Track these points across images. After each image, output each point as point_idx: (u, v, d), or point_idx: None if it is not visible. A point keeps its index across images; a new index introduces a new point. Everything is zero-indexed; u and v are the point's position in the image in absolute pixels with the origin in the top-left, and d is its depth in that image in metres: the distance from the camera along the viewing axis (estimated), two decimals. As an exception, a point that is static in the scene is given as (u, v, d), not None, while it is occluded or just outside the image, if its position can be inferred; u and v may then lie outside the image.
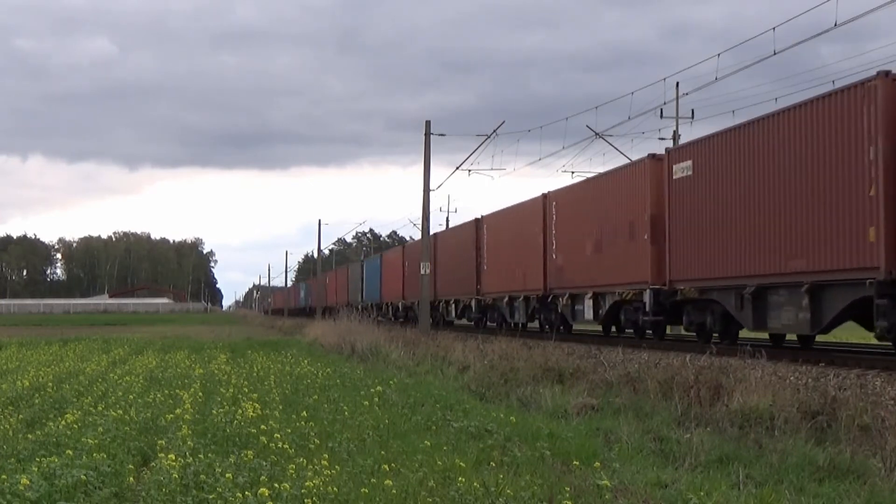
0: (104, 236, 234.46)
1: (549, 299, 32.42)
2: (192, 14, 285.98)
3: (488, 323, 41.12)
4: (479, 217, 41.17)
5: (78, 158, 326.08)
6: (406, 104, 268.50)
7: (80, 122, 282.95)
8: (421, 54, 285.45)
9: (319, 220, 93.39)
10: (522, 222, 34.99)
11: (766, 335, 22.64)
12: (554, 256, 31.60)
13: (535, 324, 35.40)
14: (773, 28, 26.20)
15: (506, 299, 37.04)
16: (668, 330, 28.59)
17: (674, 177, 23.38)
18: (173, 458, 9.48)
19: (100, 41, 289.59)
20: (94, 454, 10.07)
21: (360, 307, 67.01)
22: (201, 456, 10.07)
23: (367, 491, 8.42)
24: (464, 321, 45.77)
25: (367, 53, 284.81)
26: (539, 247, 32.50)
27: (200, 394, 16.69)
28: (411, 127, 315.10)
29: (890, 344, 17.88)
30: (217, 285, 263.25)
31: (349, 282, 76.12)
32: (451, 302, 45.21)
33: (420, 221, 43.93)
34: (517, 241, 35.49)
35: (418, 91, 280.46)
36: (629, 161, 30.97)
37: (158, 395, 16.39)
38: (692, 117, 44.01)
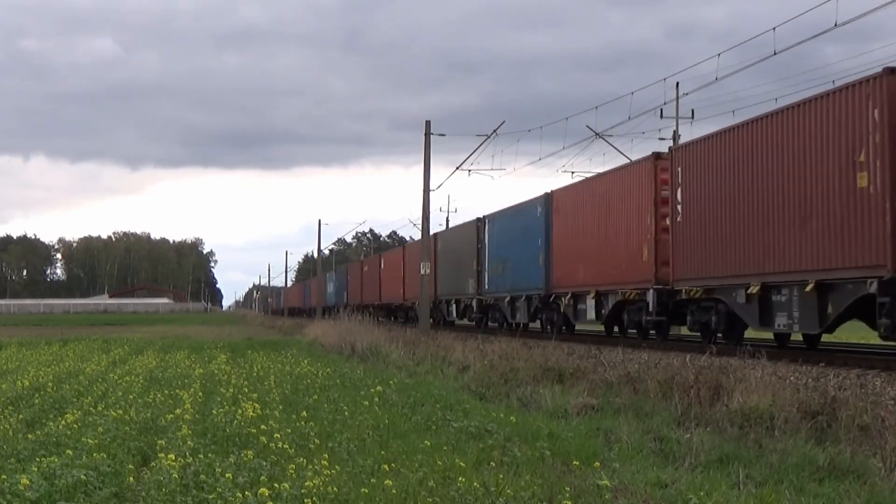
0: (104, 236, 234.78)
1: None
2: (196, 14, 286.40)
3: None
4: None
5: (80, 158, 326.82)
6: (408, 104, 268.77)
7: (82, 122, 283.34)
8: (424, 54, 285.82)
9: (319, 221, 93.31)
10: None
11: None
12: None
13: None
14: (774, 28, 26.10)
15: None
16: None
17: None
18: (173, 458, 9.47)
19: (103, 41, 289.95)
20: (94, 454, 10.07)
21: (458, 305, 44.29)
22: (201, 456, 10.06)
23: (367, 491, 8.41)
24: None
25: (370, 53, 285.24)
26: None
27: (200, 394, 16.68)
28: (413, 127, 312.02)
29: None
30: (217, 285, 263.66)
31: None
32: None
33: (420, 221, 43.99)
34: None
35: (421, 91, 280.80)
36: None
37: (158, 395, 16.38)
38: (692, 117, 43.99)
